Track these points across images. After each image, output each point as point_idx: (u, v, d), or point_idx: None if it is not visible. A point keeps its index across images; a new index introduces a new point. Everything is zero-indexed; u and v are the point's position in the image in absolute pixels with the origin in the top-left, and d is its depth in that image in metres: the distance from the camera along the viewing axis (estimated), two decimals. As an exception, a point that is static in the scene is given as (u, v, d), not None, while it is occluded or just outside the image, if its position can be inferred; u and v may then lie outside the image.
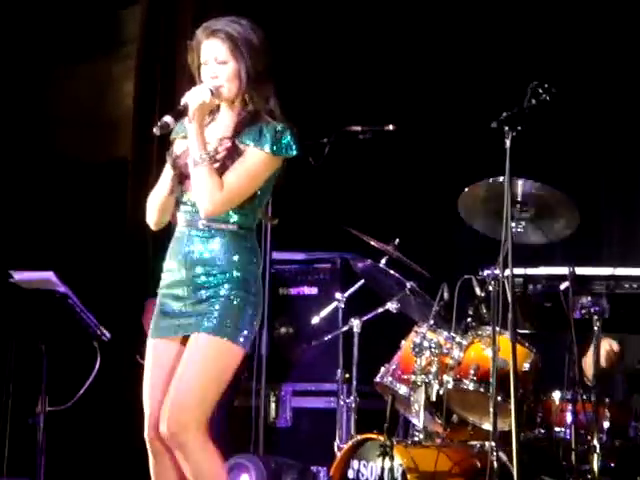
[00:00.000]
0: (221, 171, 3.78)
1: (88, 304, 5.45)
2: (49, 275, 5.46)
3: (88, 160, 7.60)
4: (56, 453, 5.76)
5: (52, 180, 7.43)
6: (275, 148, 3.78)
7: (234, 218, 3.82)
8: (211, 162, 3.75)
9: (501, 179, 4.47)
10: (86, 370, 5.42)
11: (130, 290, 6.89)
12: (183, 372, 3.75)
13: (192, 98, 3.76)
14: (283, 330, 6.44)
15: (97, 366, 5.37)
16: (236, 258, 3.78)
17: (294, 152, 3.83)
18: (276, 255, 6.17)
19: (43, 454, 5.43)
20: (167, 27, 7.30)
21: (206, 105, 3.79)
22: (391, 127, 5.58)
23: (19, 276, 5.56)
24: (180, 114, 3.76)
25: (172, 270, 3.86)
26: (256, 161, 3.79)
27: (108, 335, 5.42)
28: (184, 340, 3.82)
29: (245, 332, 3.76)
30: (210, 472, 3.73)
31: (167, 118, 3.73)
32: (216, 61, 3.83)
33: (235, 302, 3.75)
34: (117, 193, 7.32)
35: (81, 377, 5.44)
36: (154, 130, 3.71)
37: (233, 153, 3.80)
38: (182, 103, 3.77)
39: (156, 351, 3.87)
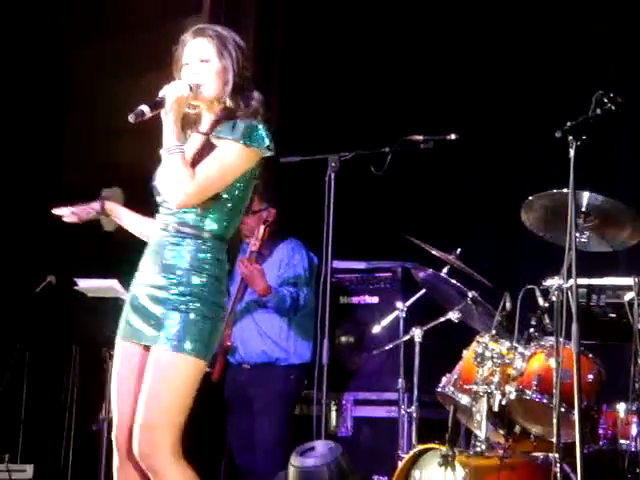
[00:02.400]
0: (194, 165, 3.72)
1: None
2: (112, 283, 5.52)
3: (146, 169, 7.65)
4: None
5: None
6: (247, 139, 3.72)
7: (208, 224, 3.76)
8: (183, 153, 3.70)
9: (565, 190, 4.44)
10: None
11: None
12: (146, 390, 3.68)
13: (170, 91, 3.73)
14: (344, 339, 6.44)
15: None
16: (197, 274, 3.72)
17: (266, 144, 3.75)
18: (337, 264, 6.16)
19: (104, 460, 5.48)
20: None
21: (183, 99, 3.74)
22: (453, 136, 5.55)
23: (83, 283, 5.63)
24: (157, 105, 3.71)
25: (141, 270, 3.83)
26: (227, 152, 3.74)
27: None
28: (148, 347, 3.76)
29: (205, 346, 3.69)
30: None
31: (143, 107, 3.69)
32: (199, 59, 3.80)
33: (192, 315, 3.69)
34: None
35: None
36: (129, 117, 3.68)
37: (207, 148, 3.76)
38: (160, 95, 3.74)
39: (123, 352, 3.82)
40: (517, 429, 4.99)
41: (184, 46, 3.85)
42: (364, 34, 6.95)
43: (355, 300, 6.44)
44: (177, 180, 3.69)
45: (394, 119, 6.57)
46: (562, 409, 4.43)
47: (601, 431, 4.83)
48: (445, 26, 6.80)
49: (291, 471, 5.06)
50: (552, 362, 4.67)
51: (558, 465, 4.43)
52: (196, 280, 3.72)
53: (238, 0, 7.37)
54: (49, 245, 7.11)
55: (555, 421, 4.37)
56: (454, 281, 5.41)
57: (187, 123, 3.85)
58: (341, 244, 5.66)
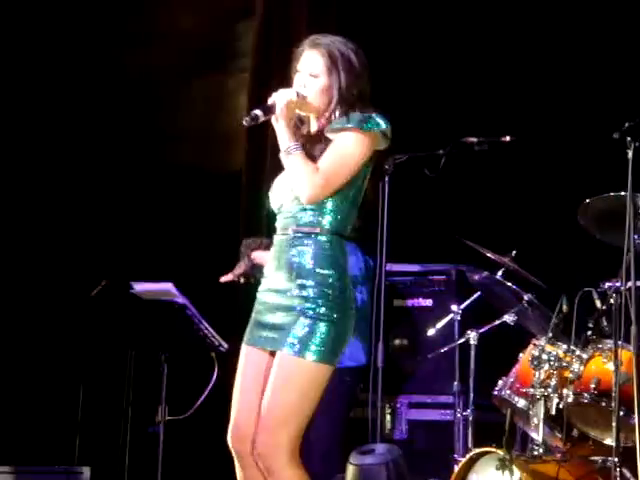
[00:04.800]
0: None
1: (205, 314, 5.51)
2: (168, 286, 5.54)
3: (202, 173, 7.71)
4: (173, 462, 5.83)
5: (169, 193, 7.55)
6: (363, 125, 3.77)
7: (327, 221, 3.80)
8: (302, 151, 3.78)
9: (623, 193, 4.41)
10: (204, 380, 5.48)
11: (242, 301, 6.95)
12: (269, 394, 3.74)
13: (279, 97, 3.81)
14: (398, 342, 6.43)
15: (214, 377, 5.42)
16: (324, 270, 3.76)
17: (382, 127, 3.79)
18: (391, 267, 6.14)
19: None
20: (281, 40, 7.35)
21: (292, 104, 3.82)
22: (508, 138, 5.53)
23: (139, 287, 5.65)
24: (268, 110, 3.82)
25: (267, 276, 3.88)
26: (346, 141, 3.78)
27: (226, 346, 5.47)
28: (273, 352, 3.81)
29: (332, 349, 3.73)
30: None
31: (257, 111, 3.81)
32: (308, 73, 3.86)
33: (320, 319, 3.73)
34: (231, 203, 7.40)
35: (199, 387, 5.51)
36: (243, 121, 3.81)
37: (323, 144, 3.82)
38: (270, 101, 3.83)
39: (248, 359, 3.87)
40: (575, 433, 4.95)
41: (300, 54, 3.91)
42: (419, 35, 6.94)
43: (409, 303, 6.43)
44: (304, 176, 3.75)
45: (449, 121, 6.55)
46: (621, 412, 4.40)
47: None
48: (503, 27, 6.77)
49: (350, 469, 5.06)
50: (610, 365, 4.64)
51: (617, 469, 4.40)
52: (321, 280, 3.75)
53: (290, 6, 7.39)
54: (105, 249, 7.17)
55: (614, 425, 4.35)
56: (509, 283, 5.39)
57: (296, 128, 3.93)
58: (395, 246, 5.65)
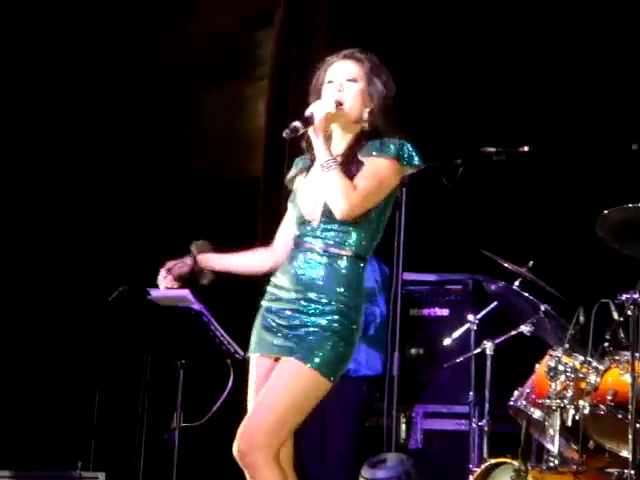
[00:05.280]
0: None
1: (221, 321, 5.52)
2: (185, 293, 5.53)
3: (221, 179, 7.72)
4: (188, 469, 5.83)
5: (186, 199, 7.57)
6: (399, 155, 3.80)
7: (351, 243, 3.82)
8: (340, 167, 3.78)
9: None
10: (219, 387, 5.48)
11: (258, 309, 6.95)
12: (265, 394, 3.75)
13: (318, 108, 3.82)
14: (414, 351, 6.42)
15: (230, 384, 5.42)
16: (342, 290, 3.78)
17: (415, 162, 3.83)
18: (408, 276, 6.14)
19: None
20: (300, 48, 7.37)
21: (330, 116, 3.83)
22: (526, 148, 5.52)
23: (156, 293, 5.65)
24: (307, 122, 3.81)
25: (280, 287, 3.88)
26: (382, 166, 3.80)
27: (242, 353, 5.46)
28: (278, 359, 3.83)
29: (334, 365, 3.74)
30: None
31: (297, 123, 3.80)
32: (346, 78, 3.88)
33: (330, 335, 3.74)
34: (249, 212, 7.41)
35: (214, 394, 5.51)
36: (284, 134, 3.79)
37: (357, 165, 3.82)
38: (308, 113, 3.83)
39: (257, 367, 3.90)
40: (591, 444, 4.92)
41: (329, 65, 3.94)
42: (438, 44, 6.94)
43: (425, 312, 6.42)
44: (340, 192, 3.75)
45: (467, 130, 6.54)
46: (638, 425, 4.38)
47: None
48: (522, 37, 6.76)
49: (362, 484, 5.06)
50: (627, 377, 4.62)
51: (634, 482, 4.39)
52: (335, 298, 3.77)
53: (309, 14, 7.40)
54: (123, 255, 7.19)
55: (630, 437, 4.33)
56: (526, 294, 5.38)
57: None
58: (412, 256, 5.64)
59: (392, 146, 3.80)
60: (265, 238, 7.12)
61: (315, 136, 3.81)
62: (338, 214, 3.78)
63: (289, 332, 3.79)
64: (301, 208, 3.93)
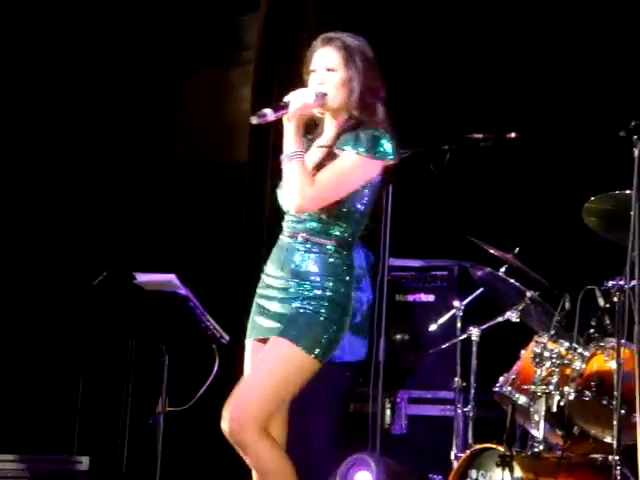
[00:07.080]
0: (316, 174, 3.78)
1: (207, 306, 5.51)
2: (171, 277, 5.53)
3: (206, 165, 7.71)
4: (173, 453, 5.83)
5: (172, 184, 7.56)
6: (370, 151, 3.75)
7: (335, 231, 3.81)
8: (303, 159, 3.76)
9: (628, 191, 4.40)
10: (205, 372, 5.48)
11: (245, 292, 6.95)
12: (252, 372, 3.79)
13: (295, 97, 3.78)
14: (399, 337, 6.42)
15: (215, 369, 5.42)
16: (330, 278, 3.79)
17: (390, 157, 3.79)
18: (393, 262, 6.13)
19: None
20: (285, 33, 7.35)
21: (307, 107, 3.79)
22: (513, 135, 5.52)
23: (141, 278, 5.64)
24: (280, 109, 3.76)
25: (270, 275, 3.88)
26: (349, 162, 3.77)
27: (227, 338, 5.46)
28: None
29: (324, 349, 3.76)
30: (271, 462, 3.74)
31: (266, 109, 3.75)
32: (325, 68, 3.84)
33: (321, 318, 3.76)
34: (234, 196, 7.41)
35: (200, 379, 5.51)
36: (252, 119, 3.75)
37: (328, 158, 3.80)
38: (285, 100, 3.78)
39: (252, 352, 3.91)
40: (575, 430, 4.95)
41: (314, 52, 3.89)
42: (425, 29, 6.92)
43: (411, 298, 6.42)
44: (296, 185, 3.73)
45: (454, 117, 6.54)
46: (622, 411, 4.40)
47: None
48: (509, 23, 6.75)
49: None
50: (612, 363, 4.64)
51: (618, 468, 4.40)
52: (326, 285, 3.78)
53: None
54: (108, 239, 7.18)
55: (615, 423, 4.35)
56: (512, 280, 5.39)
57: (308, 128, 3.90)
58: (398, 242, 5.64)
59: (365, 141, 3.75)
60: (250, 222, 7.18)
61: (287, 124, 3.77)
62: (292, 208, 3.79)
63: (281, 317, 3.81)
64: (279, 197, 3.93)
